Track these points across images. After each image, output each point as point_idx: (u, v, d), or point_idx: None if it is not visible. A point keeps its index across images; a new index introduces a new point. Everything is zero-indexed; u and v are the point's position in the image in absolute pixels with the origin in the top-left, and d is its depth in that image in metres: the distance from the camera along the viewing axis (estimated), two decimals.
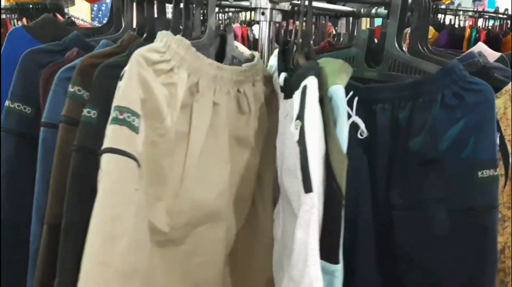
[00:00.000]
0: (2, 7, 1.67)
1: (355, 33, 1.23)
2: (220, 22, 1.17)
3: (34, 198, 0.71)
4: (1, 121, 0.79)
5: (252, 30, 1.84)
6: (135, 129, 0.60)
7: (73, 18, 1.70)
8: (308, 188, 0.60)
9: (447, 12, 1.75)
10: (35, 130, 0.75)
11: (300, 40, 0.76)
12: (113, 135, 0.57)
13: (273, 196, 0.83)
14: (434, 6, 1.73)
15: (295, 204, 0.64)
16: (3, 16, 1.60)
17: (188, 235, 0.74)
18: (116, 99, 0.59)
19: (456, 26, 1.74)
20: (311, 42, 0.81)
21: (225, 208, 0.76)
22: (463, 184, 0.72)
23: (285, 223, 0.71)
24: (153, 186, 0.67)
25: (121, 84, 0.60)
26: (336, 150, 0.62)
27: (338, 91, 0.63)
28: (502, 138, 0.79)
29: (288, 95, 0.71)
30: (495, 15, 1.67)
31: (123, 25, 0.90)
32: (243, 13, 2.04)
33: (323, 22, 1.32)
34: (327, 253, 0.63)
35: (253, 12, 1.08)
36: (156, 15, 0.85)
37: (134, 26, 0.89)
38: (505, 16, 1.63)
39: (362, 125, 0.79)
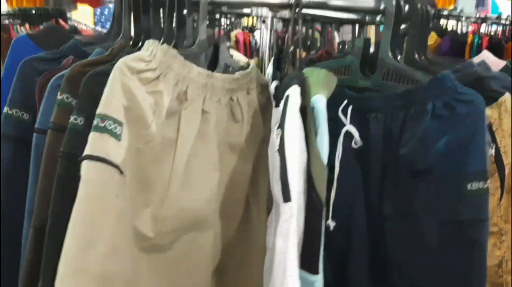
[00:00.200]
0: (5, 12, 1.72)
1: None
2: (222, 28, 1.18)
3: (26, 202, 0.73)
4: (1, 127, 0.81)
5: (254, 36, 1.85)
6: (116, 137, 0.61)
7: (75, 23, 1.74)
8: (286, 197, 0.60)
9: (450, 18, 1.73)
10: (32, 135, 0.77)
11: (290, 49, 0.76)
12: (93, 142, 0.59)
13: (267, 204, 0.83)
14: (436, 12, 1.71)
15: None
16: (6, 21, 1.64)
17: (175, 242, 0.74)
18: (98, 107, 0.61)
19: (459, 31, 1.72)
20: (302, 51, 0.81)
21: (213, 215, 0.77)
22: (452, 196, 0.70)
23: None
24: (139, 192, 0.68)
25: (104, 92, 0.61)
26: (316, 161, 0.62)
27: (319, 101, 0.63)
28: (497, 149, 0.78)
29: (277, 103, 0.71)
30: (497, 21, 1.64)
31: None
32: (245, 18, 2.04)
33: (329, 29, 1.31)
34: (307, 263, 0.63)
35: (255, 18, 1.09)
36: (152, 23, 0.86)
37: (133, 34, 0.91)
38: (507, 22, 1.60)
39: (356, 134, 0.79)
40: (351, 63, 0.86)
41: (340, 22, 1.22)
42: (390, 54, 0.80)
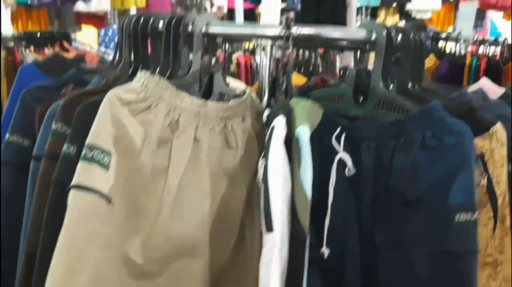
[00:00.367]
0: (10, 35, 1.77)
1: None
2: (223, 50, 1.21)
3: (22, 228, 0.75)
4: (1, 153, 0.84)
5: (255, 59, 1.88)
6: (104, 166, 0.63)
7: (80, 44, 1.78)
8: (269, 227, 0.61)
9: (448, 40, 1.73)
10: None
11: (281, 79, 0.78)
12: (80, 172, 0.61)
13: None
14: (435, 35, 1.71)
15: None
16: (11, 44, 1.69)
17: (165, 268, 0.75)
18: (88, 137, 0.63)
19: (457, 53, 1.72)
20: (291, 78, 0.83)
21: (204, 242, 0.77)
22: (441, 227, 0.70)
23: None
24: (129, 219, 0.70)
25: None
26: (299, 191, 0.63)
27: (303, 133, 0.64)
28: (489, 180, 0.77)
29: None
30: (495, 43, 1.64)
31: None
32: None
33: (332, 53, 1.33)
34: None
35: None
36: (150, 53, 0.89)
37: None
38: (506, 44, 1.61)
39: (349, 163, 0.79)
40: (344, 91, 0.87)
41: (341, 49, 1.23)
42: (381, 83, 0.81)
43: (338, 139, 0.78)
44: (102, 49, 2.68)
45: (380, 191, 0.78)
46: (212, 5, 3.67)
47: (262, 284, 0.61)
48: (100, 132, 0.63)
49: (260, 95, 1.08)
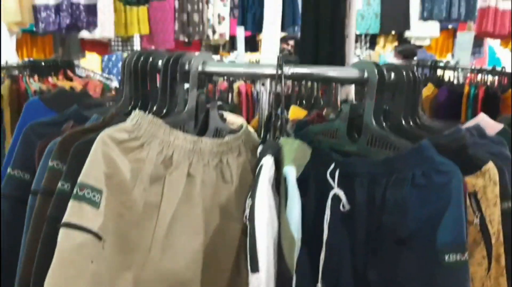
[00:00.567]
0: (16, 64, 1.82)
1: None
2: (224, 80, 1.24)
3: (18, 263, 0.77)
4: (2, 187, 0.87)
5: (256, 89, 1.91)
6: (95, 204, 0.64)
7: (83, 70, 1.81)
8: (254, 267, 0.61)
9: (446, 69, 1.74)
10: None
11: (273, 116, 0.79)
12: (70, 210, 0.62)
13: None
14: (433, 63, 1.72)
15: None
16: (16, 72, 1.73)
17: None
18: (80, 176, 0.65)
19: (455, 81, 1.73)
20: (285, 115, 0.84)
21: (196, 279, 0.78)
22: (431, 267, 0.70)
23: None
24: (120, 255, 0.71)
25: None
26: (285, 231, 0.63)
27: (289, 173, 0.65)
28: (482, 219, 0.77)
29: None
30: (493, 72, 1.64)
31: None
32: None
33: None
34: None
35: None
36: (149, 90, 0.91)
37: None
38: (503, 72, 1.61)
39: (343, 198, 0.79)
40: (339, 127, 0.88)
41: (341, 82, 1.25)
42: (373, 121, 0.82)
43: (332, 174, 0.79)
44: (105, 74, 2.74)
45: (373, 228, 0.78)
46: (214, 32, 3.73)
47: None
48: (91, 171, 0.65)
49: (260, 128, 1.10)
